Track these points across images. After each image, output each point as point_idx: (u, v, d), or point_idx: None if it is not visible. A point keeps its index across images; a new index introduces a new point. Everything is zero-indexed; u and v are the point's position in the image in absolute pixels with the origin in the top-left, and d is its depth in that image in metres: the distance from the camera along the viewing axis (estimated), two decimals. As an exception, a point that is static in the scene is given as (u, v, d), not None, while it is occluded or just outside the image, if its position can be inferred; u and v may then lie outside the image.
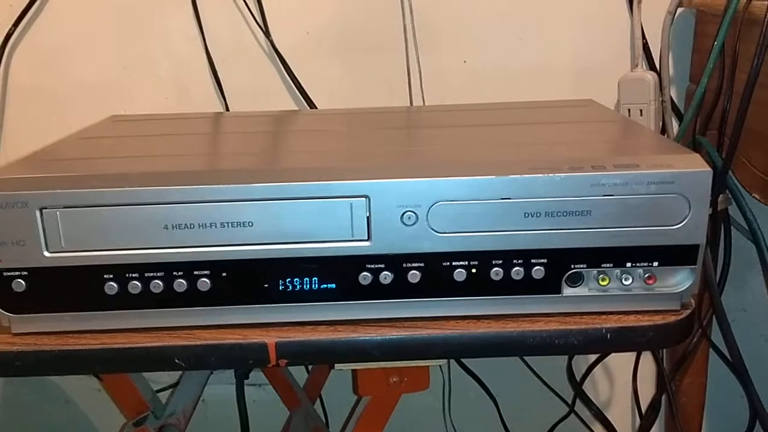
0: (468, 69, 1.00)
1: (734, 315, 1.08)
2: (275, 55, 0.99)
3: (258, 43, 1.00)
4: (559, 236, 0.56)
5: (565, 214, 0.55)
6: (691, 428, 1.06)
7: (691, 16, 0.95)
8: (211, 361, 0.58)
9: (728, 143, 0.78)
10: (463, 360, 1.10)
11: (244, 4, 0.98)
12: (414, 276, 0.57)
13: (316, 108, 1.00)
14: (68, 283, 0.56)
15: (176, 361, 0.57)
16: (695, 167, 0.54)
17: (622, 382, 1.16)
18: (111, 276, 0.56)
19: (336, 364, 0.61)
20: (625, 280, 0.57)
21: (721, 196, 0.87)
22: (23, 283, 0.56)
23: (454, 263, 0.57)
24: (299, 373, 1.06)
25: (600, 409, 1.13)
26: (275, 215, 0.55)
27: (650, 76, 0.91)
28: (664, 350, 1.07)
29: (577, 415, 1.14)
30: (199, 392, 0.86)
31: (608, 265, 0.57)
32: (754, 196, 0.80)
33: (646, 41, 0.96)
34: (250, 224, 0.55)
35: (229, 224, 0.55)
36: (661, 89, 0.93)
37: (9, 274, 0.56)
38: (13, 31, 0.98)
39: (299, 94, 1.00)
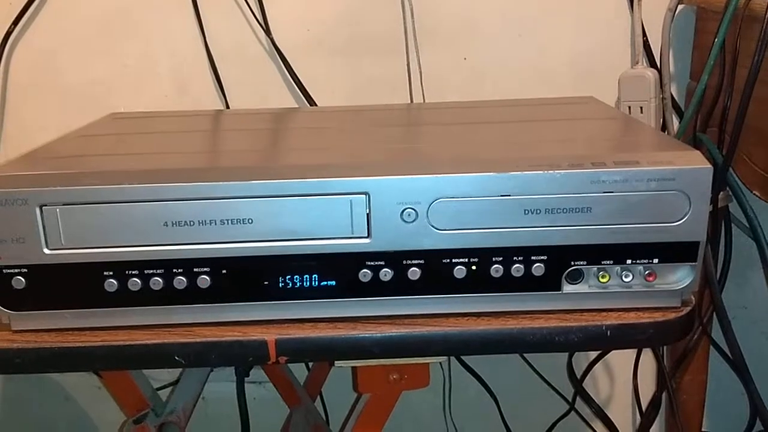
0: (468, 66, 1.00)
1: (735, 312, 1.08)
2: (275, 52, 0.99)
3: (258, 40, 1.00)
4: (559, 233, 0.56)
5: (565, 211, 0.55)
6: (691, 426, 1.06)
7: (692, 13, 0.95)
8: (211, 359, 0.58)
9: (729, 140, 0.78)
10: (463, 357, 1.10)
11: (244, 1, 0.98)
12: (414, 273, 0.57)
13: (316, 105, 1.00)
14: (68, 280, 0.56)
15: (176, 358, 0.57)
16: (696, 164, 0.54)
17: (622, 379, 1.16)
18: (111, 273, 0.56)
19: (336, 362, 0.61)
20: (626, 277, 0.57)
21: (721, 193, 0.87)
22: (23, 280, 0.56)
23: (454, 260, 0.57)
24: (299, 371, 1.06)
25: (600, 407, 1.13)
26: (275, 212, 0.55)
27: (651, 73, 0.91)
28: (665, 347, 1.07)
29: (577, 412, 1.14)
30: (200, 390, 0.86)
31: (608, 262, 0.57)
32: (754, 193, 0.80)
33: (647, 38, 0.96)
34: (250, 221, 0.55)
35: (229, 221, 0.55)
36: (661, 86, 0.93)
37: (9, 271, 0.56)
38: (13, 30, 0.98)
39: (299, 92, 1.00)
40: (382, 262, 0.56)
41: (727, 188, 0.86)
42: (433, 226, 0.55)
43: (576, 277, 0.58)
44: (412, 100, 1.00)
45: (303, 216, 0.55)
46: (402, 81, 0.99)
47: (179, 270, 0.56)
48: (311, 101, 1.00)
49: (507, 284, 0.57)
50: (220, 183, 0.54)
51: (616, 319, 0.58)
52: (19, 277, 0.56)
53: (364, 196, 0.55)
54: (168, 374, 1.02)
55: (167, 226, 0.55)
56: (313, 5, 0.98)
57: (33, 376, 1.13)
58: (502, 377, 1.12)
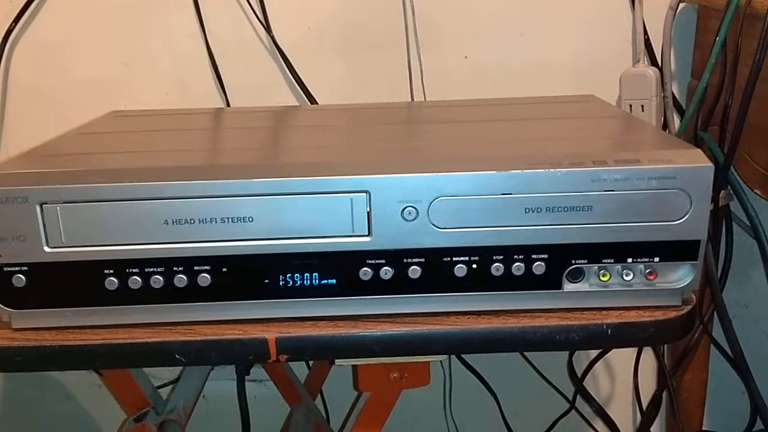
0: (469, 65, 1.00)
1: (735, 311, 1.08)
2: (276, 50, 0.99)
3: (259, 38, 1.00)
4: (559, 231, 0.56)
5: (566, 209, 0.55)
6: (692, 424, 1.06)
7: (693, 12, 0.95)
8: (211, 357, 0.58)
9: (730, 139, 0.78)
10: (463, 356, 1.10)
11: (244, -1, 0.98)
12: (414, 271, 0.57)
13: (316, 104, 1.00)
14: (68, 279, 0.56)
15: (177, 356, 0.57)
16: (697, 162, 0.54)
17: (623, 378, 1.15)
18: (111, 271, 0.56)
19: (336, 360, 0.61)
20: (626, 275, 0.57)
21: (722, 191, 0.87)
22: (23, 278, 0.56)
23: (454, 259, 0.56)
24: (300, 369, 1.06)
25: (601, 405, 1.13)
26: (276, 210, 0.55)
27: (652, 72, 0.91)
28: (665, 346, 1.07)
29: (577, 411, 1.14)
30: (200, 388, 0.86)
31: (609, 260, 0.57)
32: (755, 192, 0.80)
33: (648, 37, 0.96)
34: (251, 219, 0.55)
35: (230, 219, 0.55)
36: (662, 85, 0.93)
37: (9, 269, 0.56)
38: (14, 28, 0.98)
39: (300, 90, 1.00)
40: (383, 261, 0.56)
41: (728, 187, 0.86)
42: (433, 225, 0.55)
43: (577, 275, 0.58)
44: (412, 99, 1.00)
45: (303, 214, 0.55)
46: (403, 79, 0.99)
47: (180, 268, 0.56)
48: (311, 99, 1.00)
49: (507, 283, 0.57)
50: (221, 181, 0.54)
51: (616, 318, 0.57)
52: (20, 275, 0.56)
53: (364, 194, 0.55)
54: (169, 372, 1.02)
55: (168, 224, 0.55)
56: (314, 3, 0.98)
57: (33, 374, 1.13)
58: (502, 376, 1.12)
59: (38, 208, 0.54)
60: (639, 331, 0.57)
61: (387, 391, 0.64)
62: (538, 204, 0.55)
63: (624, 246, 0.56)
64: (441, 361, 1.11)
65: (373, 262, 0.57)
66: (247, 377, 1.07)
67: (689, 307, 0.59)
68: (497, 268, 0.57)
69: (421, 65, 0.98)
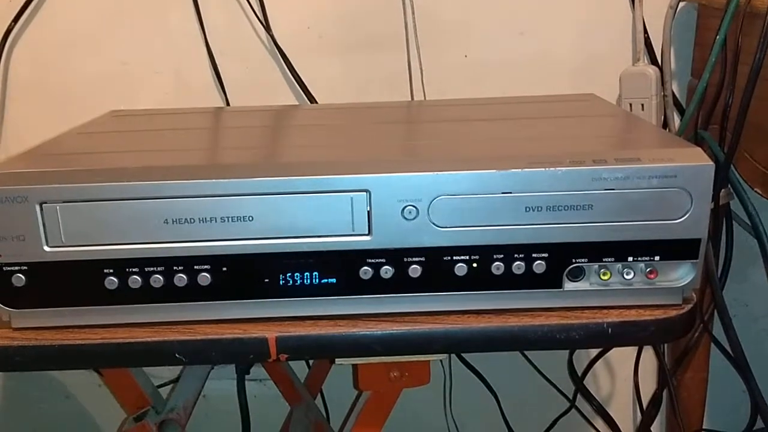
0: (469, 63, 1.00)
1: (736, 310, 1.08)
2: (276, 50, 0.99)
3: (258, 37, 1.00)
4: (560, 230, 0.56)
5: (566, 208, 0.55)
6: (692, 423, 1.06)
7: (693, 10, 0.95)
8: (211, 356, 0.58)
9: (730, 138, 0.78)
10: (463, 355, 1.10)
11: (244, -2, 0.98)
12: (415, 270, 0.57)
13: (316, 103, 1.00)
14: (68, 278, 0.56)
15: (177, 355, 0.57)
16: (697, 161, 0.54)
17: (623, 376, 1.16)
18: (111, 270, 0.56)
19: (337, 359, 0.61)
20: (627, 274, 0.57)
21: (722, 190, 0.87)
22: (23, 277, 0.56)
23: (454, 258, 0.56)
24: (300, 368, 1.06)
25: (601, 404, 1.13)
26: (276, 210, 0.55)
27: (652, 71, 0.91)
28: (666, 345, 1.07)
29: (578, 410, 1.14)
30: (200, 387, 0.86)
31: (609, 259, 0.57)
32: (755, 191, 0.80)
33: (648, 35, 0.96)
34: (251, 219, 0.55)
35: (230, 219, 0.55)
36: (662, 84, 0.93)
37: (9, 268, 0.56)
38: (13, 27, 0.98)
39: (300, 89, 1.00)
40: (383, 260, 0.56)
41: (729, 185, 0.86)
42: (433, 224, 0.55)
43: (577, 274, 0.58)
44: (412, 98, 1.00)
45: (304, 213, 0.55)
46: (403, 78, 0.99)
47: (180, 267, 0.56)
48: (311, 98, 1.00)
49: (508, 281, 0.57)
50: (221, 180, 0.54)
51: (617, 317, 0.57)
52: (20, 275, 0.56)
53: (364, 193, 0.55)
54: (168, 372, 1.02)
55: (168, 223, 0.55)
56: (314, 2, 0.98)
57: (33, 374, 1.13)
58: (502, 375, 1.12)
59: (38, 208, 0.54)
60: (639, 330, 0.57)
61: (387, 390, 0.64)
62: (539, 203, 0.55)
63: (624, 245, 0.56)
64: (441, 360, 1.11)
65: (373, 261, 0.56)
66: (247, 376, 1.07)
67: (690, 306, 0.59)
68: (497, 267, 0.57)
69: (420, 64, 0.98)
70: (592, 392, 1.12)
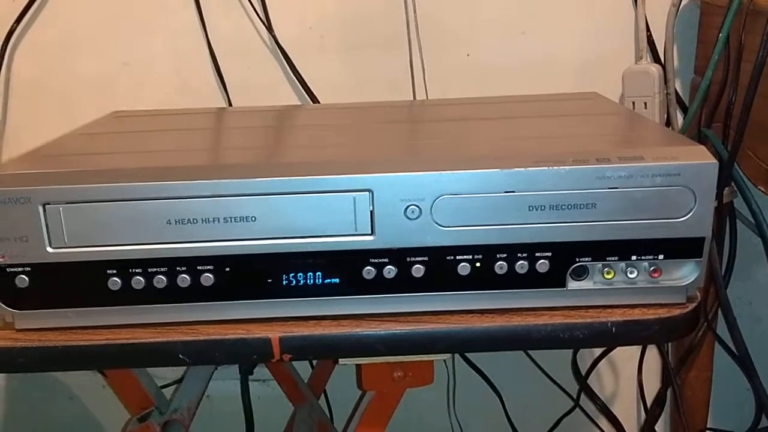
0: (471, 63, 1.00)
1: (740, 308, 1.08)
2: (278, 50, 0.99)
3: (261, 38, 1.00)
4: (563, 229, 0.55)
5: (569, 207, 0.55)
6: (696, 422, 1.06)
7: (696, 8, 0.95)
8: (215, 356, 0.58)
9: (733, 136, 0.78)
10: (467, 354, 1.10)
11: (246, -2, 0.98)
12: (418, 270, 0.57)
13: (318, 103, 1.00)
14: (71, 279, 0.56)
15: (180, 356, 0.57)
16: (701, 159, 0.54)
17: (627, 376, 1.15)
18: (114, 271, 0.56)
19: (340, 359, 0.60)
20: (631, 273, 0.57)
21: (726, 188, 0.87)
22: (26, 279, 0.56)
23: (458, 257, 0.56)
24: (303, 369, 1.06)
25: (605, 404, 1.13)
26: (278, 210, 0.55)
27: (655, 69, 0.91)
28: (670, 344, 1.06)
29: (582, 409, 1.13)
30: (204, 388, 0.86)
31: (613, 258, 0.57)
32: (759, 189, 0.80)
33: (651, 33, 0.96)
34: (254, 219, 0.55)
35: (232, 219, 0.55)
36: (665, 82, 0.93)
37: (12, 270, 0.56)
38: (16, 28, 0.98)
39: (302, 89, 1.00)
40: (386, 260, 0.56)
41: (732, 184, 0.86)
42: (436, 223, 0.55)
43: (581, 273, 0.57)
44: (414, 97, 0.99)
45: (306, 213, 0.55)
46: (405, 77, 0.99)
47: (183, 268, 0.56)
48: (313, 98, 1.00)
49: (511, 281, 0.57)
50: (224, 181, 0.54)
51: (621, 316, 0.57)
52: (23, 276, 0.56)
53: (367, 193, 0.55)
54: (172, 372, 1.02)
55: (170, 224, 0.55)
56: (315, 1, 0.98)
57: (37, 375, 1.13)
58: (506, 374, 1.12)
59: (41, 209, 0.54)
60: (643, 329, 0.57)
61: (391, 390, 0.64)
62: (542, 202, 0.55)
63: (628, 243, 0.56)
64: (445, 360, 1.11)
65: (376, 261, 0.56)
66: (250, 377, 1.07)
67: (694, 305, 0.59)
68: (501, 267, 0.57)
69: (423, 63, 0.98)
70: (595, 391, 1.12)
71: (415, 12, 0.97)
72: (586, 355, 1.11)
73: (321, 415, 1.03)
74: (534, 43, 0.99)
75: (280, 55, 0.99)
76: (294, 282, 0.57)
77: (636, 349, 1.10)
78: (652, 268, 0.57)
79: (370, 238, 0.56)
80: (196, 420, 0.81)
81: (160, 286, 0.56)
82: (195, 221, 0.55)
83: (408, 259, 0.56)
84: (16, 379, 1.18)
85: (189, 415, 0.79)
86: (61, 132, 0.74)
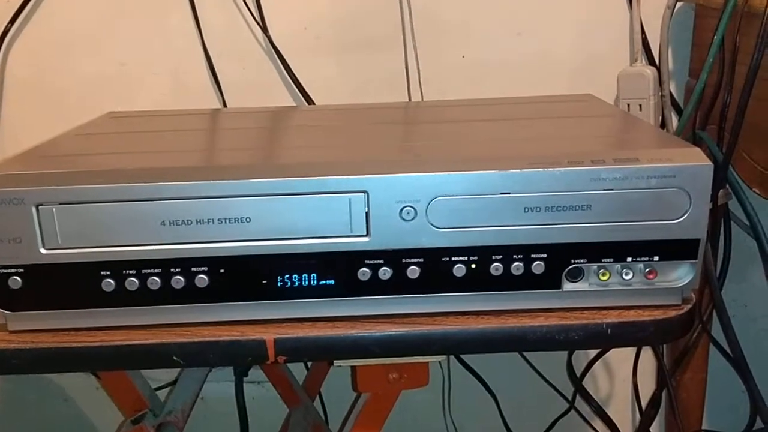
0: (467, 64, 1.00)
1: (734, 310, 1.08)
2: (273, 50, 0.99)
3: (255, 38, 1.00)
4: (559, 231, 0.55)
5: (565, 208, 0.55)
6: (691, 424, 1.06)
7: (691, 11, 0.95)
8: (209, 358, 0.57)
9: (728, 138, 0.78)
10: (462, 356, 1.10)
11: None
12: (413, 272, 0.56)
13: (314, 104, 0.99)
14: (65, 280, 0.56)
15: (174, 358, 0.57)
16: (696, 161, 0.54)
17: (622, 377, 1.15)
18: (108, 272, 0.56)
19: (335, 361, 0.60)
20: (626, 274, 0.57)
21: (721, 190, 0.87)
22: (19, 280, 0.55)
23: (453, 258, 0.56)
24: (298, 370, 1.06)
25: (600, 405, 1.13)
26: (273, 211, 0.55)
27: (649, 71, 0.91)
28: (665, 345, 1.06)
29: (577, 411, 1.13)
30: (198, 390, 0.86)
31: (608, 259, 0.57)
32: (754, 191, 0.80)
33: (645, 36, 0.96)
34: (248, 220, 0.55)
35: (227, 220, 0.55)
36: (660, 84, 0.93)
37: (5, 271, 0.55)
38: (11, 27, 0.98)
39: (297, 90, 0.99)
40: (381, 261, 0.56)
41: (727, 186, 0.86)
42: (432, 225, 0.55)
43: (576, 275, 0.57)
44: (410, 98, 0.99)
45: (301, 214, 0.55)
46: (400, 79, 0.99)
47: (177, 269, 0.56)
48: (309, 99, 0.99)
49: (507, 282, 0.57)
50: (218, 182, 0.54)
51: (616, 317, 0.57)
52: (16, 277, 0.55)
53: (362, 194, 0.54)
54: (166, 374, 1.02)
55: (165, 225, 0.55)
56: (310, 2, 0.98)
57: (31, 377, 1.13)
58: (501, 376, 1.12)
59: (34, 210, 0.54)
60: (639, 331, 0.57)
61: (386, 391, 0.64)
62: (537, 203, 0.55)
63: (623, 245, 0.56)
64: (440, 362, 1.11)
65: (371, 262, 0.56)
66: (245, 379, 1.07)
67: (689, 306, 0.59)
68: (496, 268, 0.57)
69: (418, 65, 0.98)
70: (591, 393, 1.12)
71: (410, 12, 0.97)
72: (581, 357, 1.11)
73: (316, 417, 1.03)
74: (529, 44, 0.99)
75: (275, 55, 0.99)
76: (289, 283, 0.57)
77: (631, 351, 1.10)
78: (647, 270, 0.57)
79: (366, 239, 0.56)
80: (190, 422, 0.81)
81: (155, 287, 0.56)
82: (189, 222, 0.55)
83: (403, 260, 0.56)
84: (10, 381, 1.17)
85: (183, 417, 0.78)
86: (56, 132, 0.74)
